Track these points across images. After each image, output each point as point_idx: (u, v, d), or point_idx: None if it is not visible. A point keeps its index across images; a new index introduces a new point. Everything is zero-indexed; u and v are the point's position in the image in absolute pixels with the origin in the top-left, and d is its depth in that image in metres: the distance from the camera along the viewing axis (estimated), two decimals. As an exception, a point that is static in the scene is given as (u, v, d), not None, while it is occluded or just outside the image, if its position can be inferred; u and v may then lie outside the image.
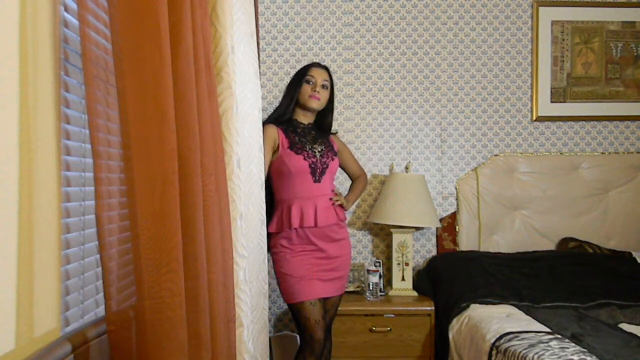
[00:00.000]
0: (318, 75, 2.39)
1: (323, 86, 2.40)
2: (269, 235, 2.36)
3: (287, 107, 2.42)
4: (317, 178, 2.36)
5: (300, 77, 2.40)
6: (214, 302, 1.36)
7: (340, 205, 2.45)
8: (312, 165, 2.35)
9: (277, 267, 2.37)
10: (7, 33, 0.93)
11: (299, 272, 2.33)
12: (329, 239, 2.39)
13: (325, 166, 2.37)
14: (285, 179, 2.36)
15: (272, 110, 2.52)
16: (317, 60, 3.21)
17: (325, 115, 2.49)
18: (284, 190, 2.37)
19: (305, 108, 2.41)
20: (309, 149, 2.37)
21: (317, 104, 2.39)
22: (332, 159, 2.42)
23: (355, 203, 3.12)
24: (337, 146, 2.56)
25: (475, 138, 3.30)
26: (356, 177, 2.70)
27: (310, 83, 2.38)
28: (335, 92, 3.23)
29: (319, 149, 2.39)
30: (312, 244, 2.35)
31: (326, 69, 2.45)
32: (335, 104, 3.23)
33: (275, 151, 2.38)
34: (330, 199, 2.41)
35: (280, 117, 2.42)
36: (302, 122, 2.44)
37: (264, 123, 2.37)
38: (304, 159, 2.34)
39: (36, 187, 1.00)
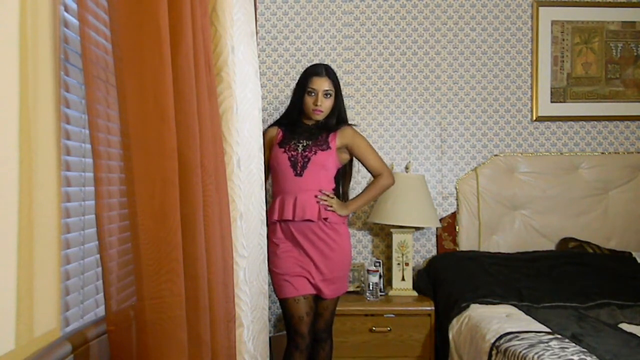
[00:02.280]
0: (319, 86, 2.36)
1: (325, 95, 2.37)
2: None
3: (291, 113, 2.47)
4: (298, 172, 2.35)
5: (303, 87, 2.39)
6: (214, 302, 1.36)
7: (331, 207, 2.38)
8: (292, 159, 2.36)
9: (269, 258, 2.38)
10: (7, 33, 0.93)
11: (282, 269, 2.35)
12: (314, 238, 2.35)
13: (306, 159, 2.35)
14: (274, 174, 2.44)
15: (279, 111, 2.53)
16: (318, 61, 3.21)
17: (330, 117, 2.44)
18: (274, 185, 2.46)
19: (310, 118, 2.43)
20: (293, 143, 2.39)
21: (321, 116, 2.40)
22: (316, 153, 2.37)
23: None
24: (341, 142, 2.44)
25: (475, 138, 3.30)
26: (376, 175, 2.51)
27: (312, 95, 2.36)
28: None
29: (304, 143, 2.39)
30: (295, 240, 2.36)
31: (328, 73, 2.40)
32: (335, 104, 3.23)
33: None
34: (316, 196, 2.36)
35: (284, 120, 2.49)
36: (306, 124, 2.46)
37: (270, 126, 2.50)
38: (284, 152, 2.38)
39: (36, 187, 1.00)
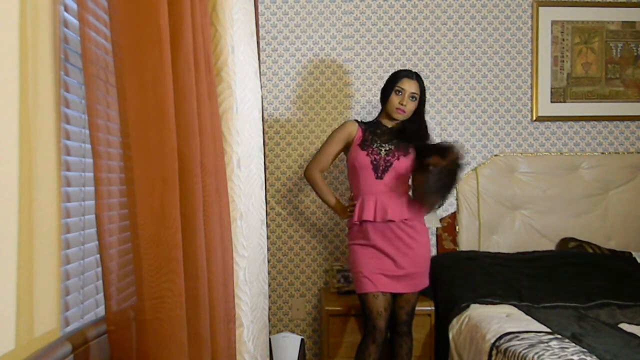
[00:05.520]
0: (408, 87, 2.42)
1: (411, 97, 2.43)
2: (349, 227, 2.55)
3: (380, 112, 2.55)
4: (379, 175, 2.42)
5: (391, 85, 2.45)
6: (214, 302, 1.36)
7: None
8: (374, 162, 2.43)
9: (350, 258, 2.51)
10: (7, 33, 0.93)
11: (361, 267, 2.43)
12: (393, 237, 2.41)
13: (388, 164, 2.42)
14: (354, 174, 2.50)
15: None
16: (318, 61, 3.22)
17: (411, 122, 2.49)
18: (354, 185, 2.52)
19: (391, 117, 2.48)
20: (376, 146, 2.45)
21: (402, 116, 2.45)
22: (398, 159, 2.44)
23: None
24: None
25: (475, 138, 3.30)
26: None
27: (399, 94, 2.42)
28: (335, 92, 3.24)
29: (387, 148, 2.45)
30: (375, 239, 2.43)
31: (417, 78, 2.47)
32: (335, 104, 3.23)
33: (348, 146, 2.53)
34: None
35: (367, 121, 2.58)
36: (385, 125, 2.51)
37: (349, 120, 2.58)
38: (367, 155, 2.44)
39: (36, 187, 1.00)
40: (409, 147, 2.48)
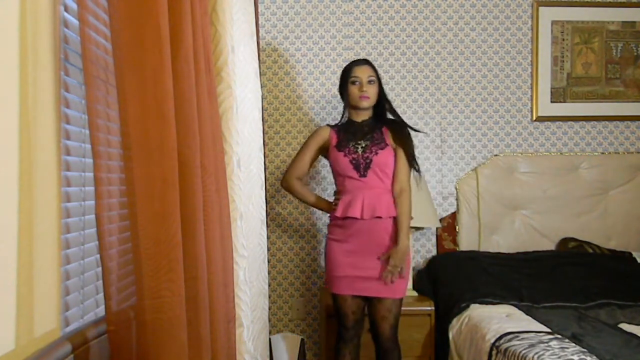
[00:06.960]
0: (362, 74, 2.42)
1: (369, 82, 2.43)
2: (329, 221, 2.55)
3: (344, 111, 2.55)
4: (362, 173, 2.41)
5: (346, 79, 2.46)
6: (214, 302, 1.36)
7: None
8: (354, 161, 2.41)
9: (325, 252, 2.51)
10: (7, 33, 0.93)
11: (336, 266, 2.42)
12: (376, 237, 2.39)
13: (368, 161, 2.40)
14: (338, 178, 2.50)
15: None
16: (317, 61, 3.22)
17: (380, 106, 2.51)
18: (340, 188, 2.49)
19: (358, 108, 2.47)
20: (352, 145, 2.44)
21: (368, 102, 2.44)
22: (376, 153, 2.41)
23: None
24: (391, 139, 2.47)
25: (475, 138, 3.30)
26: (397, 189, 2.42)
27: (356, 84, 2.43)
28: (335, 92, 3.23)
29: (363, 145, 2.43)
30: (356, 238, 2.40)
31: (368, 62, 2.48)
32: (335, 104, 3.23)
33: (326, 150, 2.53)
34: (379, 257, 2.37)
35: (340, 121, 2.58)
36: (356, 121, 2.51)
37: (322, 126, 2.59)
38: (344, 155, 2.43)
39: (36, 187, 1.00)
40: (385, 139, 2.44)
